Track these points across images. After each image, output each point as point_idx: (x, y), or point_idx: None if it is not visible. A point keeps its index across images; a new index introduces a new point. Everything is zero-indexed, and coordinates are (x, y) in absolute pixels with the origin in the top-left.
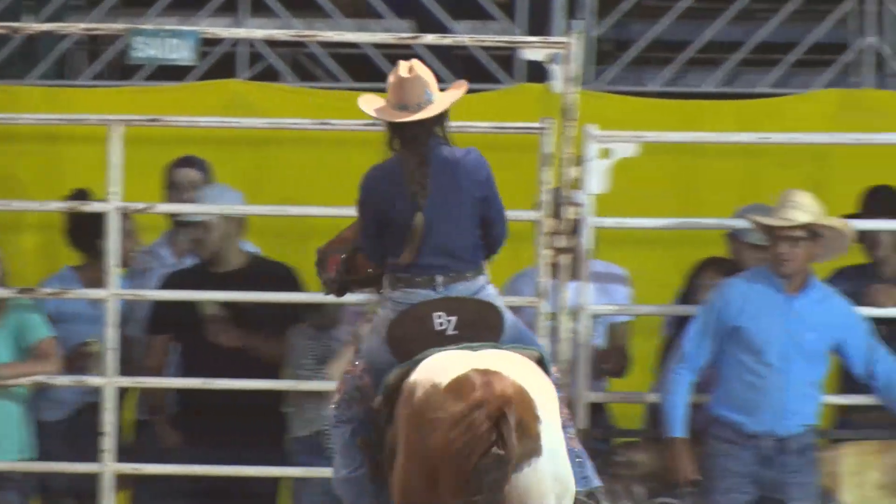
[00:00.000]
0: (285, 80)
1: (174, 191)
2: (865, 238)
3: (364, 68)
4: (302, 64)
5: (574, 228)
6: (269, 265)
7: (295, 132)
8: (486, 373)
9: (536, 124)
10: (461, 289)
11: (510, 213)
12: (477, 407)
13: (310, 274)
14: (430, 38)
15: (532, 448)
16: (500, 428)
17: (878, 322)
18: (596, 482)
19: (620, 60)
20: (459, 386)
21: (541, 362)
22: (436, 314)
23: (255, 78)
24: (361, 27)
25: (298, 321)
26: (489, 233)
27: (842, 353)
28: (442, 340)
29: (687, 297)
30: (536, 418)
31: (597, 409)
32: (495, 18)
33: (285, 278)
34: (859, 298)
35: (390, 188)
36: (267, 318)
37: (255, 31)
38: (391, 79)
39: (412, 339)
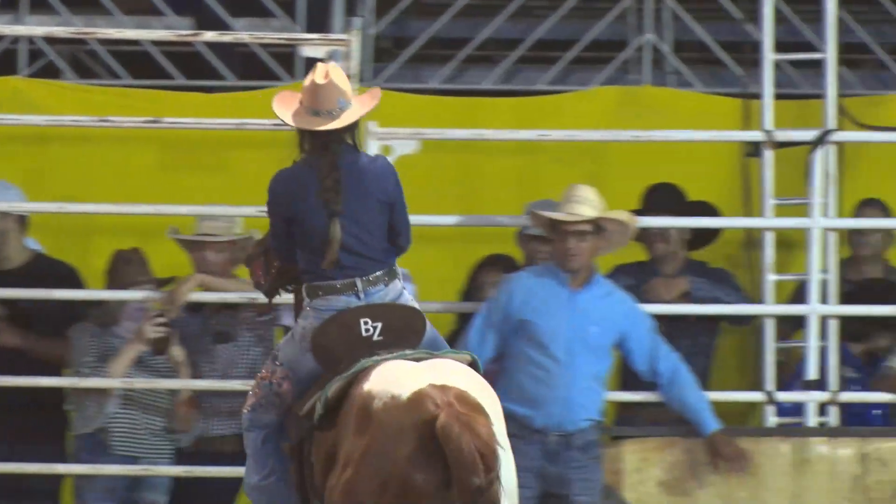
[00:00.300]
0: (66, 78)
1: None
2: (645, 234)
3: (145, 65)
4: (82, 61)
5: None
6: (51, 263)
7: (75, 129)
8: (444, 389)
9: None
10: (381, 293)
11: None
12: (449, 435)
13: (91, 271)
14: (210, 36)
15: (497, 463)
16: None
17: (658, 318)
18: None
19: (399, 58)
20: (421, 401)
21: (473, 366)
22: (362, 320)
23: (35, 75)
24: (142, 24)
25: (80, 319)
26: (395, 241)
27: (625, 349)
28: (369, 346)
29: (469, 294)
30: (493, 434)
31: None
32: (275, 16)
33: (66, 276)
34: (640, 294)
35: (299, 191)
36: (48, 316)
37: (35, 28)
38: (306, 82)
39: (339, 347)
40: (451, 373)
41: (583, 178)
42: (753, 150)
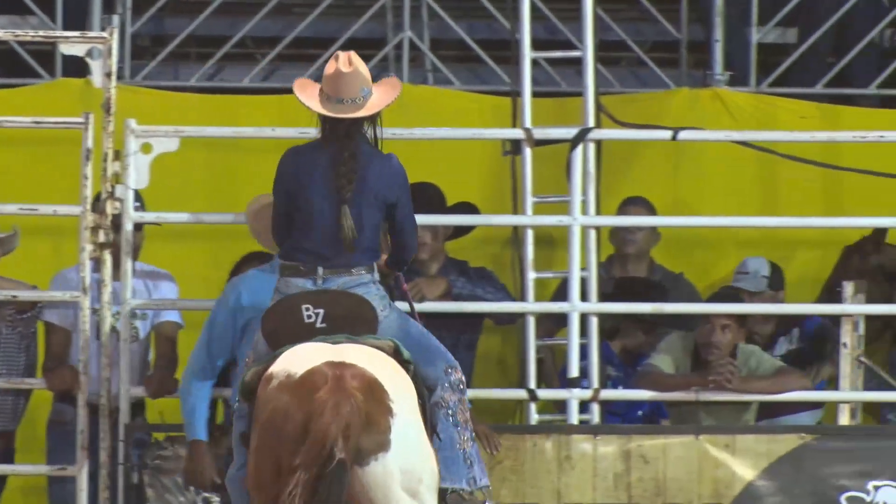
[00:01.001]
0: None
1: None
2: None
3: None
4: None
5: (116, 223)
6: None
7: None
8: (338, 366)
9: (77, 119)
10: (340, 282)
11: (54, 208)
12: (321, 409)
13: None
14: None
15: (380, 442)
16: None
17: (422, 316)
18: (484, 481)
19: (158, 56)
20: (311, 378)
21: (397, 352)
22: (304, 306)
23: None
24: None
25: None
26: (398, 238)
27: None
28: (311, 333)
29: None
30: (388, 411)
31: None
32: (34, 13)
33: None
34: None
35: (306, 170)
36: None
37: None
38: (329, 70)
39: (282, 332)
40: (355, 353)
41: None
42: (513, 147)
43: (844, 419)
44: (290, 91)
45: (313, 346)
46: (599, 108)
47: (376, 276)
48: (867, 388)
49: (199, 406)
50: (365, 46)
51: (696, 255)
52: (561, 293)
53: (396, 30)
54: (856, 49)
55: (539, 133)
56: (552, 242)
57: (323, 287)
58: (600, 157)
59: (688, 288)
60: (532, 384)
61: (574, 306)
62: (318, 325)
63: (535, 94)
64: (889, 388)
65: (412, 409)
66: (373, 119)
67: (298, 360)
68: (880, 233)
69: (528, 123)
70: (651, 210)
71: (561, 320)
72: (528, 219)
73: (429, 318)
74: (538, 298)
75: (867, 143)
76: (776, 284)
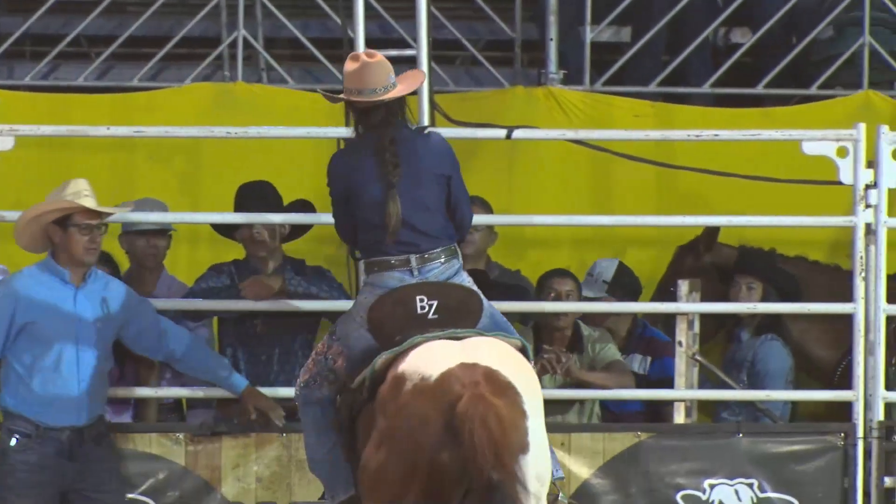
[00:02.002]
0: None
1: None
2: (242, 233)
3: None
4: None
5: None
6: None
7: None
8: (472, 368)
9: None
10: (436, 271)
11: None
12: (466, 425)
13: None
14: None
15: (521, 444)
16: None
17: (256, 315)
18: (559, 472)
19: None
20: (447, 384)
21: (523, 351)
22: (417, 297)
23: None
24: None
25: None
26: (454, 215)
27: (129, 337)
28: (423, 324)
29: None
30: (524, 414)
31: None
32: None
33: None
34: (236, 292)
35: (356, 167)
36: None
37: None
38: (350, 68)
39: (393, 322)
40: (486, 351)
41: (178, 175)
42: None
43: (680, 418)
44: (125, 90)
45: (443, 344)
46: (434, 106)
47: (461, 258)
48: (702, 386)
49: None
50: (199, 45)
51: (531, 253)
52: None
53: (231, 28)
54: (690, 48)
55: None
56: None
57: (421, 277)
58: None
59: (525, 284)
60: None
61: None
62: (430, 316)
63: None
64: (724, 386)
65: (539, 409)
66: (402, 103)
67: (431, 360)
68: (713, 232)
69: None
70: (487, 209)
71: None
72: None
73: (265, 318)
74: None
75: (701, 142)
76: (625, 288)
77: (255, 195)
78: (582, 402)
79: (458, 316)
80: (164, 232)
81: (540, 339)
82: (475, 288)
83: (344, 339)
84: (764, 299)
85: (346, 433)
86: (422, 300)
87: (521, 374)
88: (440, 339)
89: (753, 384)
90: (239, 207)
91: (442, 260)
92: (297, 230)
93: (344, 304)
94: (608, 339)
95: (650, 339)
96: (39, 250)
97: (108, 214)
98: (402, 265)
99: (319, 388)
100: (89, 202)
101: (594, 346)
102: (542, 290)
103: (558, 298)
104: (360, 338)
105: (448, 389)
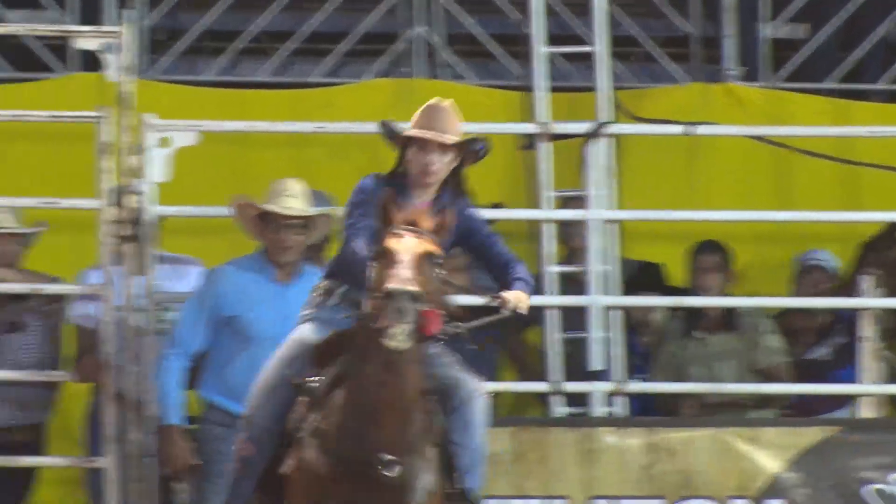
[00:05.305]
0: None
1: None
2: None
3: None
4: None
5: (136, 217)
6: None
7: None
8: None
9: (93, 113)
10: None
11: (75, 202)
12: None
13: None
14: None
15: None
16: None
17: None
18: None
19: (173, 50)
20: None
21: None
22: None
23: None
24: None
25: None
26: None
27: None
28: None
29: None
30: None
31: None
32: (46, 7)
33: None
34: None
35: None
36: None
37: None
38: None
39: None
40: None
41: (357, 171)
42: (528, 142)
43: (867, 412)
44: (304, 86)
45: None
46: (616, 103)
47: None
48: (889, 381)
49: (172, 389)
50: (378, 41)
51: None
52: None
53: (409, 25)
54: (865, 44)
55: (555, 128)
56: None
57: None
58: (618, 151)
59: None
60: (556, 377)
61: (594, 300)
62: None
63: (548, 90)
64: None
65: None
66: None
67: None
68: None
69: (543, 118)
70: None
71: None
72: (546, 213)
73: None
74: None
75: (881, 138)
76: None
77: None
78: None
79: None
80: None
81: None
82: None
83: None
84: None
85: None
86: None
87: None
88: None
89: None
90: None
91: None
92: None
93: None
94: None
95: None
96: (258, 239)
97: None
98: None
99: None
100: (285, 202)
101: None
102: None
103: (704, 272)
104: None
105: None
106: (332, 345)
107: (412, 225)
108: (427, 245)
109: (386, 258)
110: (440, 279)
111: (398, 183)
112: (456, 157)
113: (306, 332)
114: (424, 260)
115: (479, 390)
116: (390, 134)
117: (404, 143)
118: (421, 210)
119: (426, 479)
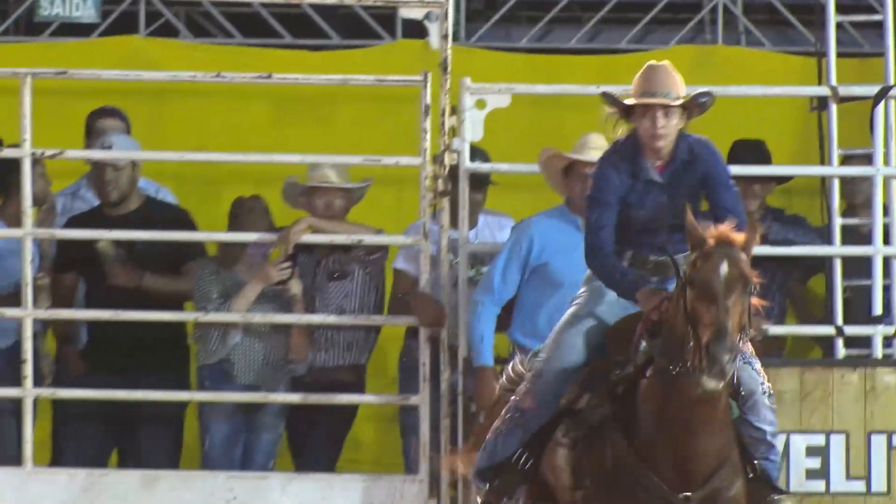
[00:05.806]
0: (182, 37)
1: (96, 138)
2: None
3: (255, 26)
4: (197, 21)
5: (453, 174)
6: (163, 207)
7: (192, 85)
8: None
9: (416, 77)
10: None
11: (396, 159)
12: None
13: (209, 217)
14: None
15: None
16: None
17: None
18: None
19: (491, 19)
20: None
21: None
22: None
23: (153, 34)
24: None
25: (191, 259)
26: None
27: None
28: None
29: None
30: None
31: None
32: None
33: (178, 218)
34: None
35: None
36: (160, 256)
37: None
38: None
39: None
40: None
41: None
42: (820, 104)
43: None
44: (611, 52)
45: None
46: None
47: None
48: None
49: (485, 333)
50: (682, 10)
51: None
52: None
53: None
54: None
55: (844, 91)
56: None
57: None
58: None
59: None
60: (839, 321)
61: (877, 249)
62: None
63: (838, 55)
64: None
65: None
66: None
67: None
68: None
69: (833, 82)
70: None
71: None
72: (834, 169)
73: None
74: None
75: None
76: None
77: (747, 151)
78: None
79: None
80: None
81: None
82: None
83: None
84: None
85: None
86: None
87: None
88: None
89: None
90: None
91: None
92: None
93: (815, 250)
94: None
95: None
96: (563, 193)
97: None
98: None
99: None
100: (590, 154)
101: None
102: None
103: None
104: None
105: None
106: (627, 330)
107: (724, 243)
108: (744, 272)
109: (702, 289)
110: (754, 310)
111: (631, 153)
112: (683, 115)
113: (601, 310)
114: (742, 291)
115: (767, 385)
116: (614, 103)
117: (628, 111)
118: (729, 226)
119: (737, 485)
